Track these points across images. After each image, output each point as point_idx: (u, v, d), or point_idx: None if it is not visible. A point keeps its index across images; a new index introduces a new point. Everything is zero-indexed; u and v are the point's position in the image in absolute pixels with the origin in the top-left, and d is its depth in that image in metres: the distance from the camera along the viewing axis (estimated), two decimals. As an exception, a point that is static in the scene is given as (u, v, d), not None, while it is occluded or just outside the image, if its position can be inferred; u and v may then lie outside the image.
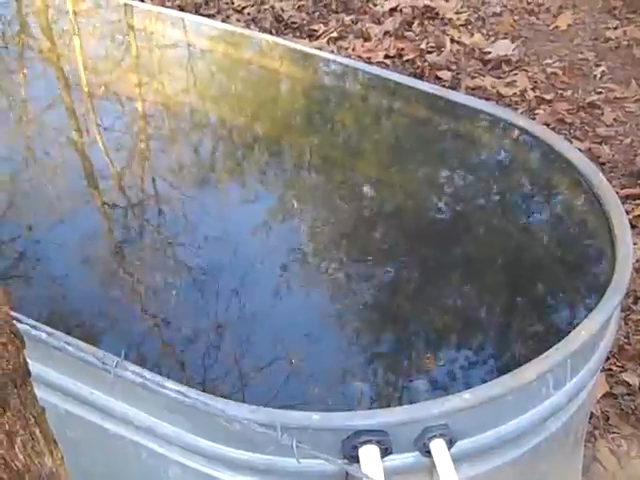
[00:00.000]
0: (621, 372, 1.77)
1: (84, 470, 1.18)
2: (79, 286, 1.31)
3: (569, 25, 3.40)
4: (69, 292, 1.30)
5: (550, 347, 1.03)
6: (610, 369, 1.78)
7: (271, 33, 3.41)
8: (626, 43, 3.22)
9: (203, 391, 0.99)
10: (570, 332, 1.05)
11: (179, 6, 3.74)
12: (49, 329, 1.04)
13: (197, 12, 3.68)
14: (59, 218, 1.47)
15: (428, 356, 1.15)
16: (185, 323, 1.21)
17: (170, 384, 0.97)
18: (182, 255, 1.36)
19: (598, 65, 3.09)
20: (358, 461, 0.94)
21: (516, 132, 1.57)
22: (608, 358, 1.80)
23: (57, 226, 1.45)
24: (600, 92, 2.91)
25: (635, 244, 2.08)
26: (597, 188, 1.36)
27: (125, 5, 2.23)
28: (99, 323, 1.23)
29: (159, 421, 1.03)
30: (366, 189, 1.53)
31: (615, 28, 3.34)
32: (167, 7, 3.24)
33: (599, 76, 3.02)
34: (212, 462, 1.02)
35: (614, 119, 2.73)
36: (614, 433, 1.66)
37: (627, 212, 2.21)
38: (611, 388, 1.73)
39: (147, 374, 0.98)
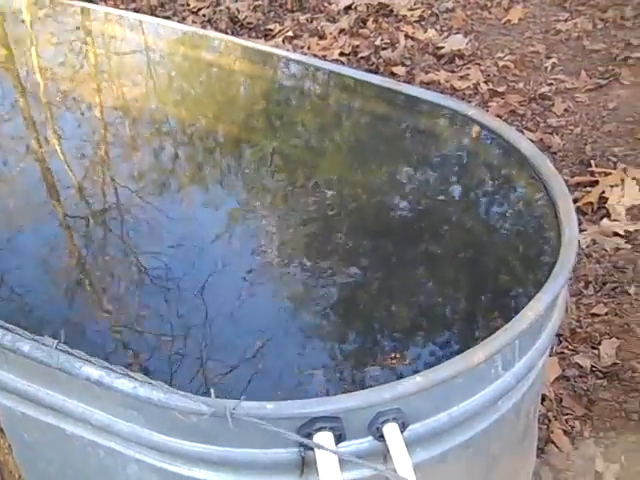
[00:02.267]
0: (573, 355, 1.80)
1: (42, 473, 1.18)
2: (35, 291, 1.31)
3: (520, 19, 3.46)
4: (23, 297, 1.29)
5: (498, 329, 1.05)
6: (562, 352, 1.81)
7: (227, 34, 3.41)
8: (576, 35, 3.29)
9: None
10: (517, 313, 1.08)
11: (134, 9, 3.73)
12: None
13: (153, 14, 3.67)
14: (17, 226, 1.46)
15: (379, 344, 1.16)
16: (142, 322, 1.22)
17: (124, 379, 0.98)
18: (138, 255, 1.36)
19: (549, 57, 3.15)
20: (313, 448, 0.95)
21: (465, 121, 1.60)
22: (560, 342, 1.83)
23: (15, 235, 1.44)
24: (551, 83, 2.96)
25: (585, 230, 2.13)
26: (544, 175, 1.39)
27: (82, 9, 2.22)
28: (55, 326, 1.23)
29: (115, 418, 1.04)
30: (323, 185, 1.54)
31: (565, 20, 3.40)
32: (122, 9, 3.23)
33: (550, 68, 3.08)
34: (168, 456, 1.03)
35: (565, 109, 2.79)
36: (567, 415, 1.69)
37: (577, 199, 2.26)
38: (564, 371, 1.76)
39: (94, 360, 0.98)
